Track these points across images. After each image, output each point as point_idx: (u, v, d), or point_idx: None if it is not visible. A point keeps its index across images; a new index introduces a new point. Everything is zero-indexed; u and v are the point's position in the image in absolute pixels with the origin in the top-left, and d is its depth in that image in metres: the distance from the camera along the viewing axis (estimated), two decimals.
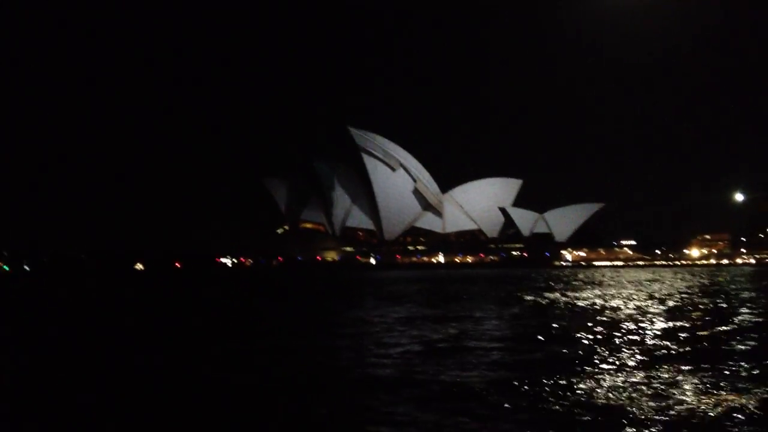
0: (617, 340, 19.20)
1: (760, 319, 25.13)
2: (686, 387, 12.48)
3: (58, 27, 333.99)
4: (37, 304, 46.05)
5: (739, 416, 10.23)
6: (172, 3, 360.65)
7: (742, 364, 14.89)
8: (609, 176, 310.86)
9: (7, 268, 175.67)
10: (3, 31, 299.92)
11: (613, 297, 39.52)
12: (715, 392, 11.99)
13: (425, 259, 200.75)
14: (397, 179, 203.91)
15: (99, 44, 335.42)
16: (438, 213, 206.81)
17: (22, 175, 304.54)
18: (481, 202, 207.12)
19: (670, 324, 23.60)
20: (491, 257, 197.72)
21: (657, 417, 10.23)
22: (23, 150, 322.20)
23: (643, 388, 12.36)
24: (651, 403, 11.15)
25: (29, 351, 20.61)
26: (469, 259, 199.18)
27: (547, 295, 42.85)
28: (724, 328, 22.38)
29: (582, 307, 32.46)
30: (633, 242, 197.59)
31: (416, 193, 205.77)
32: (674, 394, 11.83)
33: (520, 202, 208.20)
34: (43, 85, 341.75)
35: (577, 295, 42.43)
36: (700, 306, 31.96)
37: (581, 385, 12.63)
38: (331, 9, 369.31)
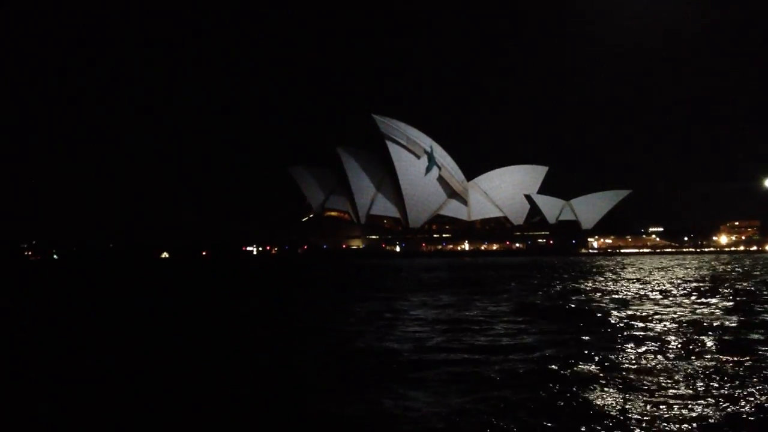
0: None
1: None
2: None
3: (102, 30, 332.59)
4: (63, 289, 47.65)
5: None
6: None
7: None
8: (636, 163, 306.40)
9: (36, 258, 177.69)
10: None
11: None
12: None
13: (450, 246, 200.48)
14: (422, 166, 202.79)
15: (121, 40, 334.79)
16: (463, 200, 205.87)
17: (52, 167, 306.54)
18: (507, 189, 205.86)
19: None
20: (517, 245, 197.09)
21: None
22: (52, 143, 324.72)
23: None
24: None
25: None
26: (495, 247, 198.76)
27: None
28: None
29: None
30: (660, 229, 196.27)
31: (441, 180, 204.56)
32: None
33: (545, 189, 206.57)
34: (75, 82, 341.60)
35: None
36: None
37: None
38: None
